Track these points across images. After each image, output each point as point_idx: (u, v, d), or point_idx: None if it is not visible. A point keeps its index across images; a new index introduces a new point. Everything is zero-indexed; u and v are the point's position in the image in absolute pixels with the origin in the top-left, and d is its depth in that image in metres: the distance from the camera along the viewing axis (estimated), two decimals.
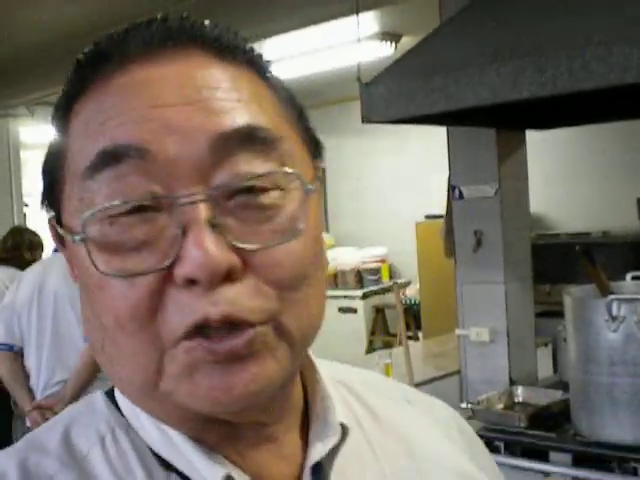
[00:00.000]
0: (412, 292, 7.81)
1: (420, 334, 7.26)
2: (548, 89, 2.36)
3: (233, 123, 0.60)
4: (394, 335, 7.16)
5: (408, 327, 7.74)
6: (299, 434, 0.70)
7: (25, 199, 8.16)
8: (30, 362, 3.71)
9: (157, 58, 0.62)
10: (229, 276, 0.57)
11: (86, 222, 0.59)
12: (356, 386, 0.80)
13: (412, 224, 7.33)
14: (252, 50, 0.67)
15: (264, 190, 0.60)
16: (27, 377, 3.75)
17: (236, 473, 0.63)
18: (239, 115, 0.61)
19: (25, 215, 8.04)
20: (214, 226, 0.57)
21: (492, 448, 2.73)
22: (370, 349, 7.48)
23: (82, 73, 0.64)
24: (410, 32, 6.00)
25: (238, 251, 0.58)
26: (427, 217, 7.20)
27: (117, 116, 0.60)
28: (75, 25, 5.53)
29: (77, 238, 0.59)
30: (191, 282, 0.57)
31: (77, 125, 0.63)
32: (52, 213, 0.66)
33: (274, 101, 0.65)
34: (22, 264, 5.09)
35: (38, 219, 11.06)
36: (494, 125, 3.34)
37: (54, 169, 0.64)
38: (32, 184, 11.11)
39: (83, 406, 0.70)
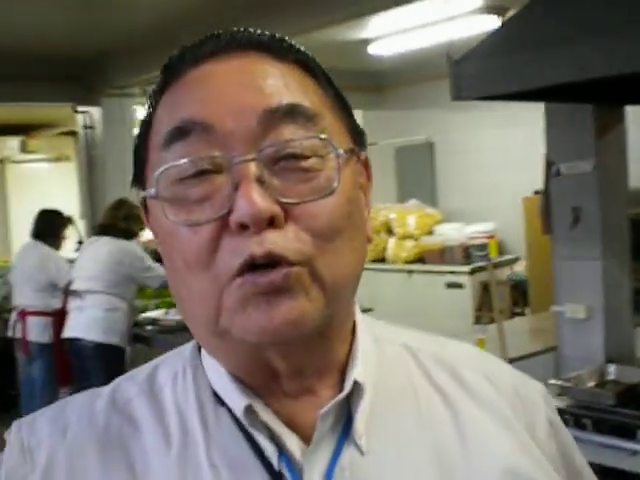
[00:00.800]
0: (520, 268, 7.73)
1: (528, 310, 7.19)
2: None
3: (278, 101, 0.73)
4: (501, 311, 7.11)
5: (516, 303, 7.70)
6: (337, 392, 0.78)
7: None
8: None
9: (222, 58, 0.77)
10: (272, 223, 0.70)
11: (159, 180, 0.73)
12: (422, 351, 0.87)
13: (520, 200, 7.24)
14: (300, 52, 0.80)
15: (304, 157, 0.73)
16: None
17: (259, 407, 0.75)
18: (284, 96, 0.74)
19: None
20: (261, 182, 0.70)
21: (580, 425, 2.73)
22: (476, 324, 7.46)
23: (165, 73, 0.79)
24: (516, 4, 5.90)
25: (281, 204, 0.70)
26: (535, 192, 7.09)
27: (187, 101, 0.75)
28: (187, 7, 5.70)
29: (152, 191, 0.74)
30: (242, 227, 0.69)
31: (158, 114, 0.78)
32: (137, 190, 0.81)
33: (319, 92, 0.78)
34: (120, 234, 5.31)
35: None
36: (591, 101, 3.28)
37: (141, 150, 0.79)
38: None
39: (179, 349, 0.86)
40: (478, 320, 7.71)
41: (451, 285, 7.85)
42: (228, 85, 0.74)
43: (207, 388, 0.79)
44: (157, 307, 5.55)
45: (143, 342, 5.34)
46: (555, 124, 3.53)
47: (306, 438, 0.75)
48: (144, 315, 5.25)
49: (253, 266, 0.69)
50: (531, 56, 2.58)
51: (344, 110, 0.81)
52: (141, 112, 8.18)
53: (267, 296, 0.70)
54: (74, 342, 5.21)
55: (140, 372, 0.84)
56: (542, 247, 6.68)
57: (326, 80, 0.80)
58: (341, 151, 0.75)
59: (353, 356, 0.80)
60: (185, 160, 0.72)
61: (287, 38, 0.81)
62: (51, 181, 11.14)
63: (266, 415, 0.75)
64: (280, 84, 0.75)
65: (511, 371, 0.92)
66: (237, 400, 0.75)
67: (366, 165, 0.83)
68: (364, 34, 6.79)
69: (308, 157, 0.73)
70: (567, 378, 3.00)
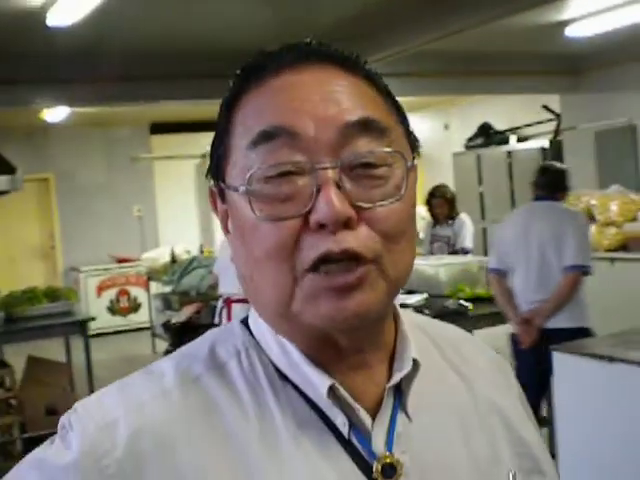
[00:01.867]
0: None
1: None
2: None
3: (356, 115, 0.81)
4: None
5: None
6: (387, 367, 0.89)
7: None
8: (517, 283, 4.73)
9: (302, 68, 0.84)
10: (348, 225, 0.78)
11: (250, 178, 0.80)
12: (431, 331, 1.00)
13: None
14: (367, 68, 0.88)
15: (377, 166, 0.81)
16: (512, 295, 4.72)
17: (339, 385, 0.82)
18: (360, 110, 0.82)
19: None
20: (339, 187, 0.78)
21: None
22: None
23: (244, 79, 0.86)
24: None
25: (356, 208, 0.79)
26: None
27: (272, 107, 0.82)
28: (367, 4, 5.77)
29: (242, 189, 0.81)
30: (321, 226, 0.77)
31: (239, 116, 0.84)
32: (214, 182, 0.88)
33: (385, 105, 0.87)
34: None
35: None
36: None
37: (220, 147, 0.86)
38: None
39: (225, 330, 0.93)
40: None
41: None
42: (311, 96, 0.81)
43: (270, 366, 0.86)
44: None
45: None
46: None
47: (366, 407, 0.85)
48: None
49: (327, 261, 0.78)
50: None
51: (405, 122, 0.89)
52: None
53: (340, 291, 0.78)
54: None
55: (197, 350, 0.89)
56: None
57: (387, 93, 0.88)
58: (409, 163, 0.84)
59: (403, 336, 0.90)
60: (273, 162, 0.79)
61: (355, 54, 0.88)
62: None
63: (343, 392, 0.82)
64: (356, 98, 0.83)
65: (484, 345, 1.07)
66: (318, 379, 0.83)
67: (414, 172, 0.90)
68: (562, 16, 6.62)
69: (379, 166, 0.81)
70: None
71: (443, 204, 6.84)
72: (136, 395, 0.84)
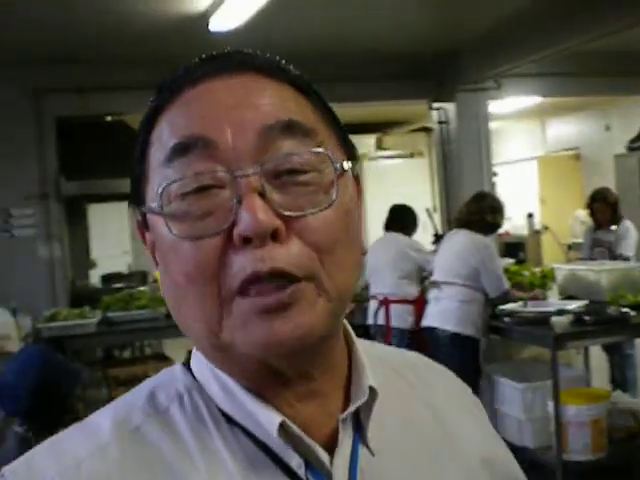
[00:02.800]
0: None
1: None
2: None
3: (275, 117, 0.75)
4: None
5: None
6: (343, 396, 0.81)
7: (496, 168, 8.50)
8: None
9: (219, 76, 0.78)
10: (276, 237, 0.71)
11: (162, 195, 0.74)
12: (390, 359, 0.94)
13: None
14: (293, 73, 0.82)
15: (303, 171, 0.74)
16: None
17: (290, 423, 0.74)
18: (281, 112, 0.76)
19: (494, 184, 8.39)
20: (263, 196, 0.71)
21: None
22: None
23: (161, 94, 0.80)
24: None
25: (282, 218, 0.72)
26: None
27: (185, 118, 0.76)
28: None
29: (154, 206, 0.75)
30: (245, 241, 0.70)
31: (155, 133, 0.78)
32: (136, 209, 0.81)
33: (310, 107, 0.80)
34: (484, 227, 5.38)
35: (507, 187, 11.37)
36: None
37: (137, 170, 0.80)
38: (502, 154, 11.43)
39: (165, 374, 0.85)
40: None
41: None
42: (226, 101, 0.75)
43: (214, 408, 0.78)
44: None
45: (499, 333, 5.37)
46: None
47: (320, 442, 0.77)
48: (502, 307, 5.28)
49: (256, 283, 0.71)
50: None
51: (336, 126, 0.83)
52: (493, 106, 8.22)
53: (273, 313, 0.71)
54: (431, 331, 5.38)
55: (135, 398, 0.81)
56: None
57: (317, 98, 0.82)
58: (338, 165, 0.77)
59: (357, 362, 0.83)
60: (189, 175, 0.73)
61: (278, 59, 0.83)
62: (404, 176, 11.57)
63: (295, 429, 0.75)
64: (276, 101, 0.77)
65: (442, 367, 1.01)
66: (265, 417, 0.75)
67: (357, 180, 0.84)
68: None
69: (307, 171, 0.75)
70: None
71: (605, 208, 6.59)
72: (70, 453, 0.75)
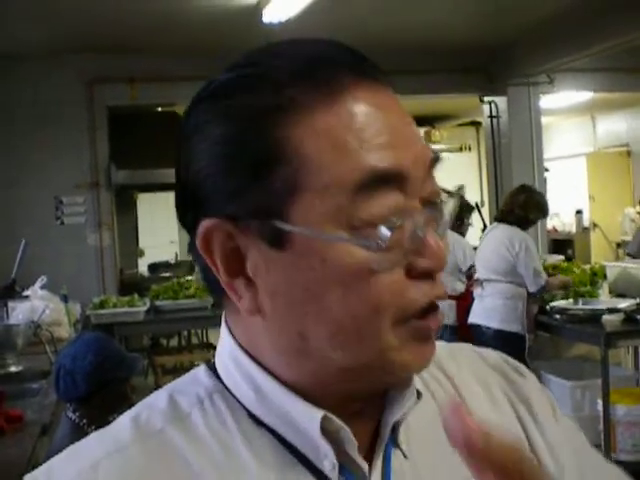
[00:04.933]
0: None
1: None
2: None
3: (430, 150, 0.74)
4: None
5: None
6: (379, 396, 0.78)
7: (545, 164, 8.42)
8: None
9: (369, 87, 0.72)
10: None
11: (386, 232, 0.68)
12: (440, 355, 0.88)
13: None
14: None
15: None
16: None
17: (332, 416, 0.72)
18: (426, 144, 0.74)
19: (545, 179, 8.30)
20: (435, 230, 0.72)
21: None
22: None
23: (294, 87, 0.70)
24: None
25: None
26: None
27: (374, 137, 0.69)
28: None
29: (378, 242, 0.68)
30: (427, 273, 0.71)
31: (311, 142, 0.69)
32: (244, 218, 0.71)
33: None
34: (520, 221, 5.27)
35: (556, 183, 11.24)
36: None
37: (272, 179, 0.69)
38: (551, 150, 11.32)
39: (186, 377, 0.81)
40: None
41: None
42: (403, 130, 0.72)
43: (242, 411, 0.75)
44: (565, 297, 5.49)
45: (549, 331, 5.33)
46: None
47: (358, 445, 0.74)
48: (553, 304, 5.22)
49: (433, 308, 0.72)
50: None
51: None
52: (544, 101, 8.13)
53: (425, 339, 0.72)
54: (476, 328, 5.38)
55: (155, 402, 0.79)
56: None
57: None
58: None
59: None
60: (398, 210, 0.69)
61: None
62: (452, 170, 11.51)
63: (339, 421, 0.72)
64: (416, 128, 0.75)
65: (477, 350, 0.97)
66: (307, 412, 0.72)
67: None
68: None
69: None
70: None
71: None
72: (91, 454, 0.74)
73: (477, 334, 5.34)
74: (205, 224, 0.72)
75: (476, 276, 5.52)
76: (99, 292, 6.89)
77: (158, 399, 0.79)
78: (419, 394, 0.78)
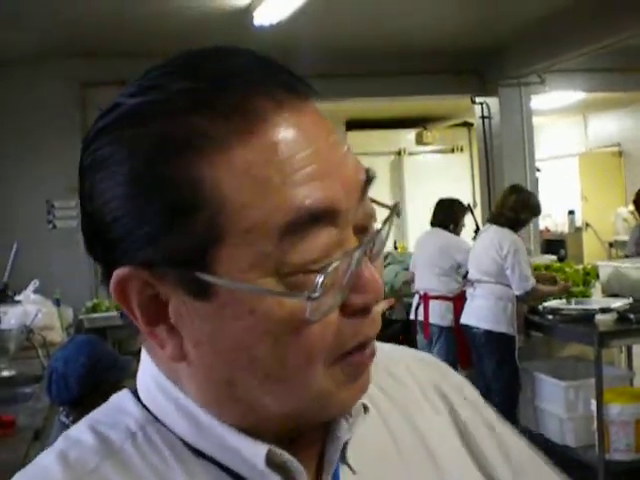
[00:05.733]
0: None
1: None
2: None
3: (363, 171, 0.68)
4: None
5: None
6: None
7: (537, 164, 8.43)
8: None
9: (295, 105, 0.64)
10: None
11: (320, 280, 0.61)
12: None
13: None
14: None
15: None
16: None
17: (277, 449, 0.67)
18: (359, 164, 0.68)
19: (537, 180, 8.31)
20: (370, 255, 0.66)
21: None
22: None
23: (208, 116, 0.62)
24: None
25: None
26: None
27: (299, 169, 0.62)
28: None
29: (310, 293, 0.61)
30: (364, 310, 0.65)
31: (231, 181, 0.61)
32: (162, 266, 0.63)
33: None
34: (511, 222, 5.21)
35: (549, 183, 11.25)
36: None
37: (189, 225, 0.62)
38: (542, 150, 11.34)
39: (108, 407, 0.74)
40: None
41: None
42: (332, 153, 0.65)
43: (178, 442, 0.69)
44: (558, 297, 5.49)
45: (542, 331, 5.32)
46: None
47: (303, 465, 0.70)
48: (546, 304, 5.22)
49: (368, 343, 0.68)
50: None
51: None
52: (535, 102, 8.14)
53: (360, 374, 0.68)
54: (467, 328, 5.38)
55: (80, 437, 0.71)
56: None
57: None
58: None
59: None
60: (336, 258, 0.63)
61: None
62: (444, 171, 11.52)
63: (286, 455, 0.67)
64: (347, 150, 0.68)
65: (410, 352, 0.93)
66: (250, 448, 0.67)
67: None
68: None
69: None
70: None
71: None
72: None
73: (469, 334, 5.35)
74: (118, 273, 0.64)
75: (468, 277, 5.53)
76: (91, 296, 6.86)
77: (82, 433, 0.71)
78: (365, 408, 0.74)
